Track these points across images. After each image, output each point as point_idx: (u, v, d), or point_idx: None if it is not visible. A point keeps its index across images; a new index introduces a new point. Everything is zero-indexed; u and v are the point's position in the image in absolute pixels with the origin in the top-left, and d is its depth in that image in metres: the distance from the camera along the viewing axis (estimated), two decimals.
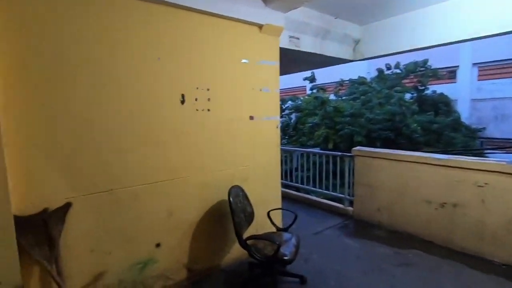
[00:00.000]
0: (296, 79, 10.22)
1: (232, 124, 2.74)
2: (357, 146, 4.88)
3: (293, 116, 10.44)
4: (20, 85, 1.74)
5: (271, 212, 2.70)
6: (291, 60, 4.06)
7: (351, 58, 4.44)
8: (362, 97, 8.73)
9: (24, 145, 1.76)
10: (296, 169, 5.50)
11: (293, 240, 2.43)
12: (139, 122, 2.19)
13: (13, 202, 1.66)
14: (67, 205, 1.91)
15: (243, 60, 2.78)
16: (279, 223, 2.94)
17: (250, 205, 2.68)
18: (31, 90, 1.77)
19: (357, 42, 4.16)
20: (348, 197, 4.19)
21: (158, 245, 2.34)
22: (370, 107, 8.17)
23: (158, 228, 2.34)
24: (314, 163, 4.75)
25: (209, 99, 2.56)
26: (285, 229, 2.64)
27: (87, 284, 2.02)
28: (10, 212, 1.65)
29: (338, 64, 4.68)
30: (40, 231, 1.79)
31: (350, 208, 4.11)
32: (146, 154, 2.23)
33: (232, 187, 2.49)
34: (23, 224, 1.72)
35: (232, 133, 2.75)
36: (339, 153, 4.33)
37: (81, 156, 1.96)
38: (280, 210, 3.09)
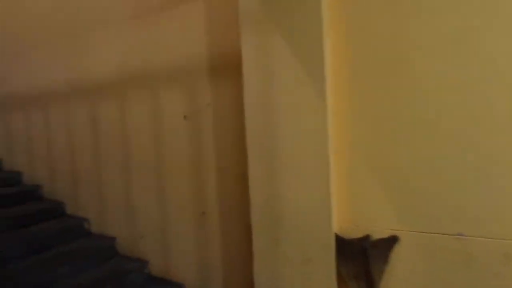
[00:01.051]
0: None
1: None
2: None
3: None
4: (347, 84, 1.47)
5: None
6: None
7: None
8: None
9: (347, 153, 1.48)
10: None
11: None
12: None
13: (334, 218, 1.44)
14: (393, 239, 1.40)
15: None
16: None
17: None
18: (358, 90, 1.45)
19: None
20: None
21: None
22: None
23: None
24: None
25: None
26: None
27: None
28: (331, 228, 1.45)
29: None
30: (359, 261, 1.44)
31: None
32: None
33: None
34: (343, 246, 1.45)
35: None
36: None
37: (417, 177, 1.35)
38: None
